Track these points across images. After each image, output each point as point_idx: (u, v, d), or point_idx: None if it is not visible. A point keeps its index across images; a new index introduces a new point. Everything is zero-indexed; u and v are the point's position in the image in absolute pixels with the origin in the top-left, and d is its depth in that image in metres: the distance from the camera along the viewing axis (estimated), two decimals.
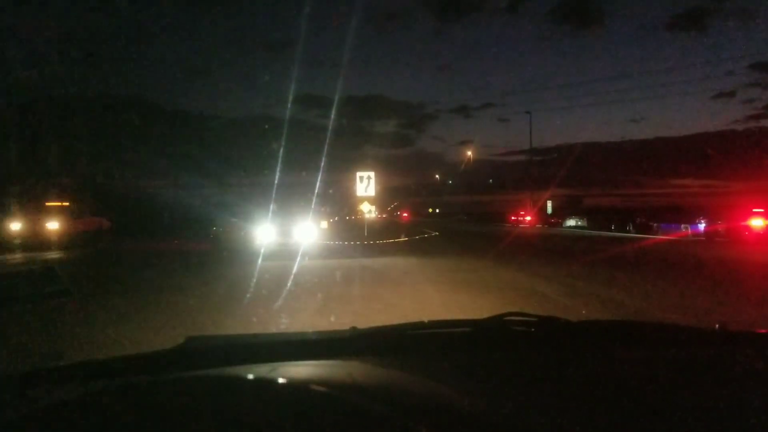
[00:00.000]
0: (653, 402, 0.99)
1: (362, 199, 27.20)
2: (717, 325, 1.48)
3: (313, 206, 19.81)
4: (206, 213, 23.33)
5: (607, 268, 12.33)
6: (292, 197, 23.26)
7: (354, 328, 1.41)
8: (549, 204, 46.85)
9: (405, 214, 75.75)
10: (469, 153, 63.32)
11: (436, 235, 28.40)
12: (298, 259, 13.57)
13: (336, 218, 35.18)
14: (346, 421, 0.82)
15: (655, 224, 29.29)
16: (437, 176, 74.62)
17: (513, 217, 45.68)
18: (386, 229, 34.38)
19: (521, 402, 0.98)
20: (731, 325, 1.50)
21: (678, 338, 1.44)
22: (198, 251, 17.12)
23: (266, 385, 1.02)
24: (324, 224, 16.95)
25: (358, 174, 26.77)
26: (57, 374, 1.15)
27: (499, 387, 1.08)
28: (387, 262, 13.71)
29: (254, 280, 10.07)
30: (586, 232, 32.12)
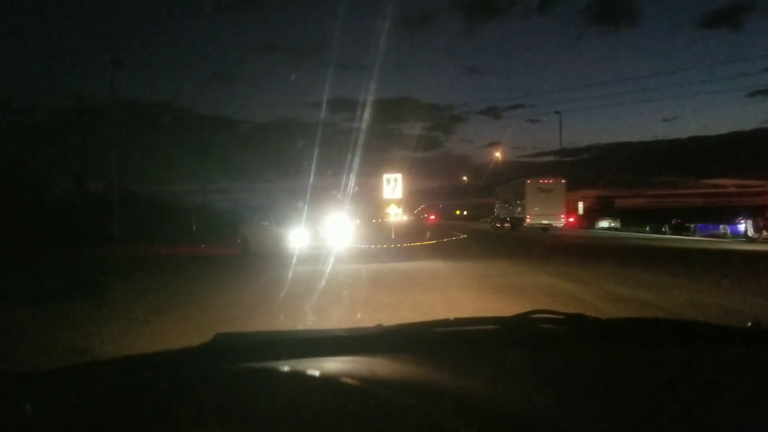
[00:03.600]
0: (681, 401, 0.98)
1: (389, 202, 26.92)
2: (749, 323, 1.46)
3: (342, 209, 19.59)
4: (234, 217, 23.38)
5: (647, 272, 11.87)
6: (320, 200, 23.11)
7: (380, 326, 1.41)
8: (580, 205, 45.98)
9: (432, 217, 75.27)
10: (498, 154, 62.33)
11: (464, 237, 28.02)
12: (328, 263, 13.40)
13: (362, 221, 34.97)
14: (376, 413, 0.82)
15: (692, 225, 28.42)
16: (465, 178, 73.78)
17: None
18: (413, 231, 34.05)
19: (548, 400, 0.97)
20: (765, 323, 1.46)
21: (709, 336, 1.40)
22: (225, 256, 17.09)
23: (294, 380, 1.01)
24: (353, 227, 16.71)
25: (385, 176, 26.50)
26: (83, 371, 1.16)
27: (526, 385, 1.07)
28: (416, 266, 13.45)
29: (283, 289, 9.91)
30: (621, 233, 31.32)
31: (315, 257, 14.35)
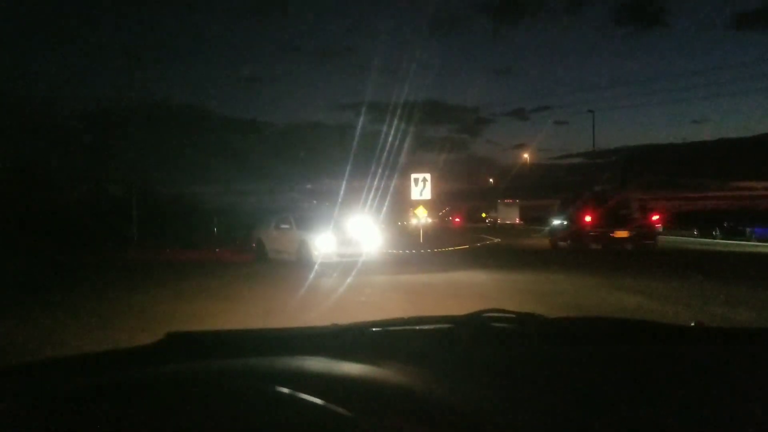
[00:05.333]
0: (625, 397, 0.97)
1: (417, 203, 24.75)
2: (693, 323, 1.48)
3: (368, 212, 17.59)
4: (254, 220, 21.27)
5: (742, 286, 9.50)
6: (344, 203, 21.23)
7: (335, 324, 1.35)
8: None
9: (457, 219, 72.82)
10: (526, 155, 59.90)
11: (498, 242, 25.69)
12: (354, 274, 11.27)
13: (388, 224, 32.87)
14: (302, 417, 0.81)
15: (747, 229, 25.65)
16: (491, 180, 71.35)
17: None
18: (442, 235, 31.78)
19: (495, 396, 0.96)
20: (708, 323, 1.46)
21: (654, 335, 1.39)
22: (238, 263, 15.08)
23: (234, 380, 0.98)
24: (380, 231, 14.60)
25: (413, 176, 24.34)
26: (31, 371, 1.12)
27: (475, 382, 1.04)
28: (456, 278, 11.24)
29: (289, 316, 7.81)
30: (669, 238, 28.60)
31: (340, 265, 12.23)
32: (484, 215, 72.41)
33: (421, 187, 24.31)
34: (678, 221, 32.83)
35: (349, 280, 10.55)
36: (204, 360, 1.13)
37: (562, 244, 19.62)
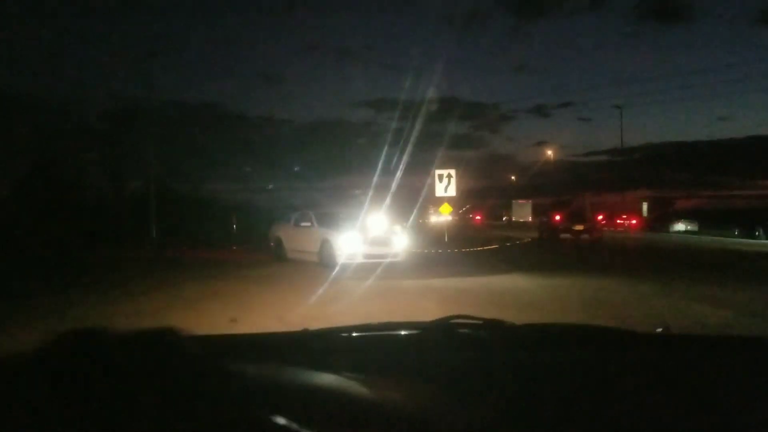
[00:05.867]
0: (588, 403, 0.97)
1: (442, 200, 23.56)
2: (659, 329, 1.47)
3: (390, 210, 16.47)
4: (272, 219, 20.22)
5: None
6: (363, 200, 20.19)
7: (306, 330, 1.36)
8: (645, 206, 41.78)
9: (478, 217, 71.25)
10: (550, 152, 58.16)
11: (527, 241, 24.36)
12: (379, 276, 10.15)
13: (410, 223, 31.73)
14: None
15: None
16: (513, 178, 69.71)
17: (619, 220, 40.89)
18: (466, 233, 30.52)
19: (459, 402, 0.95)
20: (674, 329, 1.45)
21: (620, 341, 1.38)
22: (253, 262, 14.05)
23: (198, 387, 0.94)
24: (405, 230, 13.52)
25: (437, 172, 23.16)
26: None
27: (440, 388, 1.03)
28: (491, 283, 10.05)
29: (309, 319, 6.69)
30: (707, 238, 26.97)
31: (365, 267, 11.14)
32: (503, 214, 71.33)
33: (446, 183, 23.11)
34: (713, 220, 31.12)
35: (376, 284, 9.44)
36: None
37: (545, 235, 24.93)
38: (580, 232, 23.31)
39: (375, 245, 11.58)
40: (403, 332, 1.38)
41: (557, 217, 24.32)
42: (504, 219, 69.18)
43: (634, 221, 39.15)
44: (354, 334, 1.34)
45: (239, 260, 15.29)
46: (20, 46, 75.02)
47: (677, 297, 8.18)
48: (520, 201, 63.16)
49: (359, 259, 11.24)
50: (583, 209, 26.10)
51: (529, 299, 8.07)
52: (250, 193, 51.83)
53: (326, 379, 1.01)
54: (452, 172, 22.97)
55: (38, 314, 7.01)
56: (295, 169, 47.28)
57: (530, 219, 58.53)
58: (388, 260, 11.57)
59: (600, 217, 25.36)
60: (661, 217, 36.91)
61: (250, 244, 24.00)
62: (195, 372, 0.95)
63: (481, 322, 1.38)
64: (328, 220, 12.68)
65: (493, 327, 1.38)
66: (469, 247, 19.94)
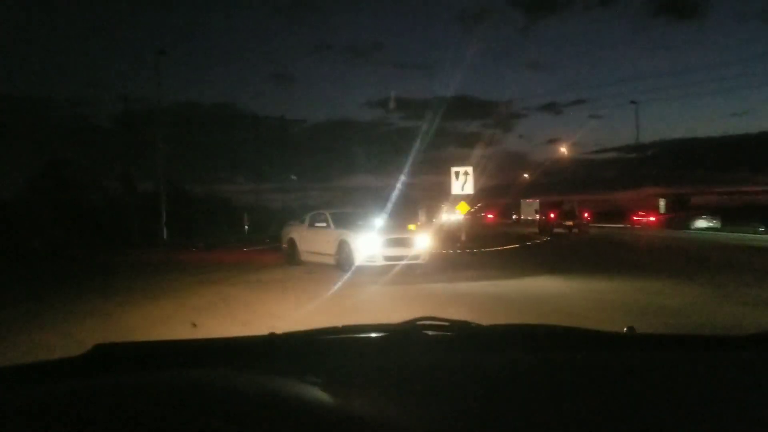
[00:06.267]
0: (553, 403, 0.95)
1: (458, 199, 22.65)
2: (625, 329, 1.42)
3: (407, 210, 15.66)
4: (284, 219, 19.39)
5: None
6: (377, 200, 19.43)
7: (273, 334, 1.31)
8: (662, 203, 40.63)
9: (490, 216, 70.17)
10: (564, 150, 56.90)
11: (546, 240, 23.42)
12: (402, 282, 9.32)
13: (423, 222, 30.86)
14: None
15: None
16: (526, 175, 68.61)
17: (636, 218, 39.84)
18: (482, 233, 29.58)
19: (423, 404, 0.94)
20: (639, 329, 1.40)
21: (586, 342, 1.36)
22: (264, 264, 13.26)
23: (161, 394, 0.96)
24: (426, 230, 12.68)
25: (453, 169, 22.22)
26: None
27: (404, 391, 1.01)
28: (524, 287, 9.19)
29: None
30: (733, 235, 25.82)
31: (385, 270, 10.32)
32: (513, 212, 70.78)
33: (463, 181, 22.14)
34: (734, 217, 30.00)
35: (398, 289, 8.61)
36: (129, 373, 1.10)
37: (543, 230, 28.29)
38: (570, 227, 28.03)
39: (395, 246, 10.73)
40: (369, 335, 1.34)
41: (552, 215, 28.77)
42: (513, 217, 69.20)
43: (652, 218, 38.11)
44: (320, 338, 1.33)
45: (251, 263, 14.51)
46: (32, 47, 75.01)
47: (735, 301, 7.29)
48: (528, 200, 64.03)
49: (379, 262, 10.40)
50: (572, 209, 29.86)
51: (571, 307, 7.18)
52: (266, 193, 51.35)
53: (281, 383, 1.00)
54: (469, 169, 22.05)
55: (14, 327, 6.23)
56: (292, 177, 46.44)
57: (537, 217, 58.65)
58: (409, 262, 10.72)
59: (586, 215, 29.95)
60: (681, 214, 35.75)
61: (261, 245, 23.25)
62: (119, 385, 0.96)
63: (447, 323, 1.37)
64: (344, 220, 11.85)
65: (459, 328, 1.36)
66: (488, 246, 19.07)
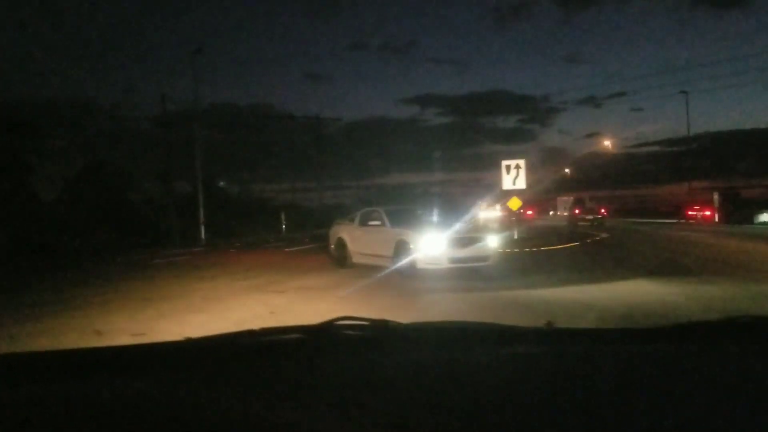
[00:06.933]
0: (469, 400, 0.95)
1: (510, 193, 21.28)
2: (544, 324, 1.46)
3: (459, 206, 14.34)
4: (321, 218, 18.18)
5: None
6: (415, 197, 18.23)
7: (188, 339, 1.27)
8: (716, 197, 38.33)
9: (530, 212, 68.13)
10: (608, 143, 54.45)
11: (606, 237, 21.74)
12: (472, 288, 8.01)
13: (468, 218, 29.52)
14: None
15: None
16: (567, 170, 66.36)
17: (691, 212, 37.70)
18: (529, 230, 27.96)
19: (339, 405, 0.92)
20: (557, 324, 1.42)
21: (503, 338, 1.35)
22: (314, 267, 12.11)
23: (57, 405, 0.93)
24: (492, 229, 11.33)
25: (504, 162, 20.89)
26: None
27: (320, 393, 1.00)
28: (617, 294, 7.80)
29: None
30: None
31: (451, 274, 9.03)
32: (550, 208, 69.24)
33: (514, 175, 20.73)
34: None
35: (474, 297, 7.31)
36: (21, 385, 1.05)
37: (570, 223, 33.43)
38: (591, 220, 33.38)
39: (461, 247, 9.40)
40: (287, 337, 1.29)
41: (576, 211, 36.03)
42: (551, 213, 68.14)
43: (707, 212, 35.92)
44: (236, 342, 1.28)
45: (296, 265, 13.39)
46: (73, 51, 76.12)
47: None
48: (563, 198, 63.56)
49: (444, 264, 9.10)
50: (593, 205, 37.19)
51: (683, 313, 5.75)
52: (301, 192, 50.65)
53: (186, 391, 0.96)
54: (521, 162, 20.66)
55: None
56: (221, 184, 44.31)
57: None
58: (476, 264, 9.40)
59: (602, 210, 36.47)
60: (741, 209, 33.55)
61: (302, 245, 22.21)
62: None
63: (367, 322, 1.32)
64: (402, 218, 10.57)
65: (378, 327, 1.31)
66: (545, 245, 17.57)
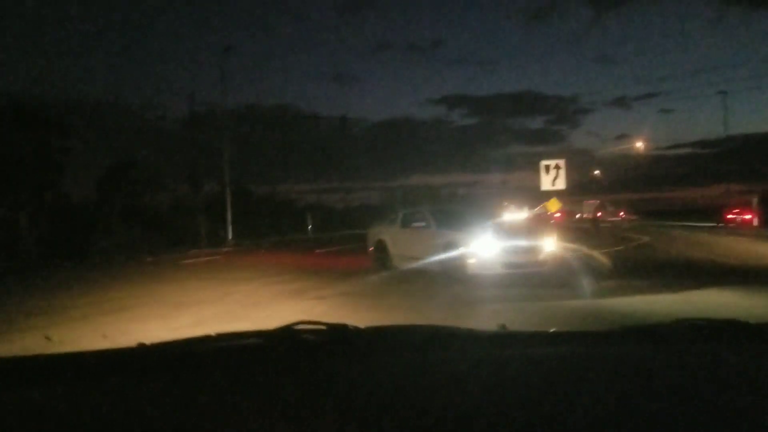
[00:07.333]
0: (427, 404, 0.94)
1: (548, 194, 20.40)
2: (497, 326, 1.45)
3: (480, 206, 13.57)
4: (347, 219, 17.54)
5: None
6: (441, 199, 17.50)
7: (141, 344, 1.22)
8: (755, 200, 36.83)
9: (558, 214, 66.94)
10: (640, 144, 52.82)
11: (648, 240, 20.75)
12: (535, 297, 7.24)
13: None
14: None
15: None
16: (597, 172, 64.87)
17: (730, 216, 36.26)
18: (566, 233, 26.93)
19: (296, 410, 0.92)
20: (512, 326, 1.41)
21: (462, 341, 1.33)
22: (350, 270, 11.46)
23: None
24: (550, 230, 10.55)
25: (543, 163, 19.90)
26: None
27: (275, 398, 0.98)
28: (689, 305, 6.95)
29: None
30: None
31: (507, 280, 8.29)
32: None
33: (553, 175, 19.66)
34: None
35: (543, 308, 6.55)
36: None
37: (594, 225, 33.22)
38: (613, 221, 36.35)
39: (517, 251, 8.63)
40: (244, 342, 1.26)
41: (599, 214, 38.33)
42: (577, 216, 67.21)
43: (747, 216, 34.50)
44: (191, 348, 1.24)
45: (331, 268, 12.76)
46: (102, 52, 76.97)
47: None
48: (589, 201, 62.88)
49: (498, 270, 8.34)
50: (613, 209, 40.65)
51: None
52: (326, 192, 50.24)
53: (137, 399, 0.95)
54: (561, 162, 19.64)
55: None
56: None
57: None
58: (533, 270, 8.63)
59: (621, 213, 40.42)
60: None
61: (332, 246, 21.60)
62: None
63: (325, 327, 1.29)
64: (449, 219, 9.85)
65: (337, 331, 1.29)
66: (590, 248, 16.66)
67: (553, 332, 1.40)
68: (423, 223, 9.78)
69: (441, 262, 8.95)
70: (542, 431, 0.83)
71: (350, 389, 1.02)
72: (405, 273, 10.04)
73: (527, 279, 8.40)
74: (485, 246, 8.40)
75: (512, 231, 9.16)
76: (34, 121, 24.43)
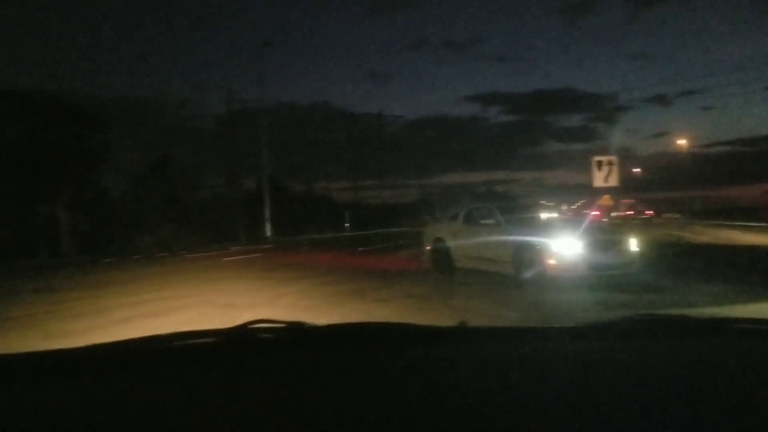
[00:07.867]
0: (385, 401, 0.92)
1: (600, 191, 19.29)
2: (457, 323, 1.39)
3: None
4: (384, 216, 16.67)
5: None
6: (479, 197, 16.51)
7: (93, 345, 1.15)
8: None
9: (595, 213, 65.02)
10: (683, 142, 50.67)
11: (705, 240, 19.42)
12: (630, 304, 6.27)
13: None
14: None
15: None
16: (638, 170, 62.82)
17: None
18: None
19: (252, 412, 0.88)
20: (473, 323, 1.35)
21: (417, 337, 1.28)
22: (402, 272, 10.61)
23: None
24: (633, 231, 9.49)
25: (596, 159, 18.80)
26: None
27: (228, 398, 0.94)
28: None
29: None
30: None
31: (584, 282, 7.33)
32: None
33: (606, 172, 18.56)
34: None
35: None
36: None
37: (622, 221, 32.19)
38: (642, 218, 38.55)
39: (601, 251, 7.64)
40: (198, 341, 1.19)
41: (629, 212, 40.46)
42: (612, 214, 66.19)
43: None
44: (143, 347, 1.18)
45: (379, 268, 11.95)
46: (142, 49, 77.79)
47: None
48: (624, 201, 61.95)
49: (581, 271, 7.37)
50: (642, 208, 43.18)
51: None
52: (362, 189, 49.58)
53: (84, 400, 0.95)
54: (614, 158, 18.50)
55: None
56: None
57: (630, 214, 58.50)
58: (620, 272, 7.63)
59: (648, 211, 43.78)
60: None
61: (374, 244, 20.83)
62: None
63: (282, 325, 1.24)
64: (518, 216, 8.91)
65: (294, 330, 1.25)
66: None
67: (514, 327, 1.38)
68: (491, 221, 8.83)
69: (513, 263, 8.01)
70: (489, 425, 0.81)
71: (306, 388, 0.98)
72: (466, 273, 9.13)
73: (608, 282, 7.43)
74: (568, 245, 7.43)
75: (593, 229, 8.16)
76: (76, 116, 24.27)
